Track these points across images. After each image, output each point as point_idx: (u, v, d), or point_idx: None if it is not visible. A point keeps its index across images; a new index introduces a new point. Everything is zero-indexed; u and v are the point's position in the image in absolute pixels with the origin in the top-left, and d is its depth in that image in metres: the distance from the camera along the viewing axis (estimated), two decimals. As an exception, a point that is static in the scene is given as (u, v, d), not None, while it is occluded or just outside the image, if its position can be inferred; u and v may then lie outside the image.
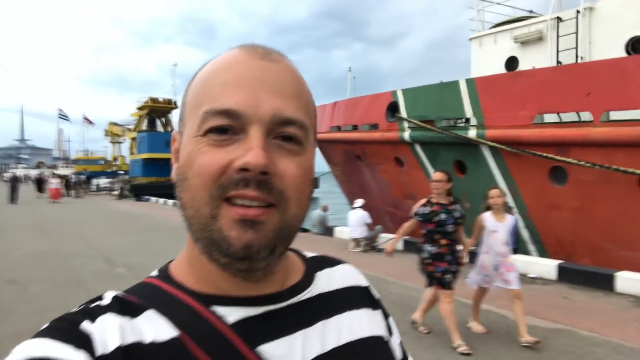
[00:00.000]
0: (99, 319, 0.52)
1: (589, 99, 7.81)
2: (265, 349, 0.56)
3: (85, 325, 0.50)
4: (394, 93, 11.90)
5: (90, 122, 79.45)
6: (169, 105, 43.94)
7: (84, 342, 0.49)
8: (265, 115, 0.53)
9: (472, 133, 9.69)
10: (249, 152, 0.52)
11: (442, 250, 4.67)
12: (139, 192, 30.67)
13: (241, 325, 0.56)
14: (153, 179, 38.19)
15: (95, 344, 0.49)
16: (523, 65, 11.01)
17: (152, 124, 44.88)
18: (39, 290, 6.61)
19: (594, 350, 4.36)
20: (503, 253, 4.79)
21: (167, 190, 32.51)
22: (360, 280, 0.74)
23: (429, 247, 4.73)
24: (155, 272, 0.63)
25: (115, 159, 62.60)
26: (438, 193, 4.77)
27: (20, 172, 70.20)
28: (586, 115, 8.14)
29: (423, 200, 4.87)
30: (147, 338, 0.52)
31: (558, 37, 10.01)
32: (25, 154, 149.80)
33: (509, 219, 4.91)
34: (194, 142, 0.55)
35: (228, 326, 0.55)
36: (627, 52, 9.24)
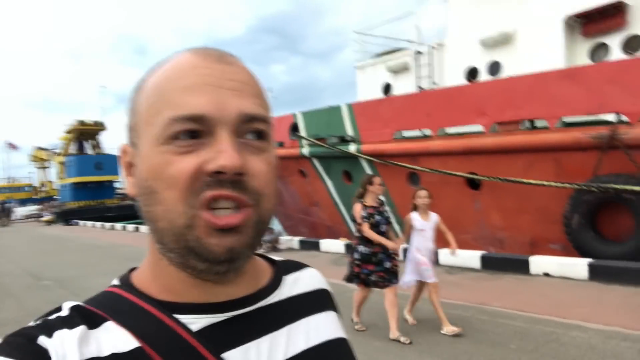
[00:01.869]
0: (57, 333, 0.50)
1: (429, 118, 9.99)
2: (230, 355, 0.56)
3: (42, 340, 0.49)
4: (295, 115, 13.73)
5: (14, 147, 76.11)
6: (98, 127, 43.69)
7: (40, 358, 0.48)
8: (232, 116, 0.54)
9: (352, 148, 11.65)
10: (221, 154, 0.51)
11: (375, 249, 4.89)
12: (68, 217, 30.62)
13: (206, 332, 0.56)
14: (83, 203, 37.93)
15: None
16: (396, 90, 13.25)
17: (81, 147, 44.34)
18: (-28, 299, 7.74)
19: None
20: (432, 249, 5.12)
21: (98, 214, 32.61)
22: (324, 284, 0.75)
23: (362, 248, 4.95)
24: (116, 281, 0.62)
25: (42, 184, 60.57)
26: (377, 196, 5.08)
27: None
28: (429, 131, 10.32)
29: (359, 205, 5.05)
30: (107, 350, 0.51)
31: (418, 66, 12.30)
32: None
33: (434, 217, 5.18)
34: (158, 152, 0.53)
35: (192, 334, 0.55)
36: (467, 79, 11.64)
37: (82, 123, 42.70)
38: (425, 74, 12.03)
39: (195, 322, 0.56)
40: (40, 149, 56.57)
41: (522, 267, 7.39)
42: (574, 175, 7.76)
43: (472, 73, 11.57)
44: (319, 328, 0.66)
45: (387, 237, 4.95)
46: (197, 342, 0.54)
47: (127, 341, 0.52)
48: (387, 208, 5.22)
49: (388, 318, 4.92)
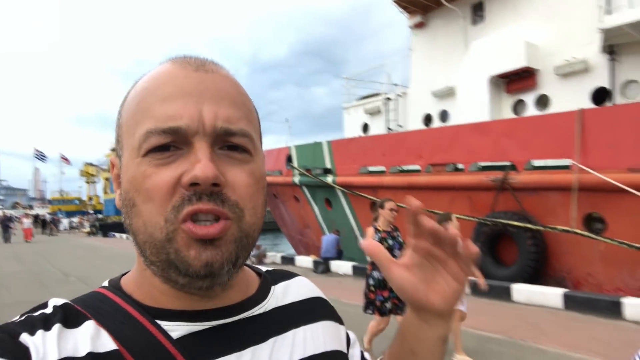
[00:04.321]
0: (39, 332, 0.51)
1: (384, 157, 12.03)
2: None
3: (24, 337, 0.50)
4: (290, 148, 16.05)
5: (67, 161, 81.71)
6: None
7: (21, 355, 0.48)
8: (208, 127, 0.53)
9: (329, 179, 13.80)
10: (196, 165, 0.51)
11: None
12: (106, 230, 33.97)
13: (185, 340, 0.55)
14: (126, 217, 41.24)
15: (32, 358, 0.48)
16: (372, 130, 15.35)
17: None
18: (17, 287, 10.36)
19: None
20: None
21: None
22: (317, 292, 0.74)
23: (376, 274, 4.73)
24: (106, 283, 0.62)
25: (90, 198, 65.23)
26: (389, 221, 4.83)
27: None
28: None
29: (371, 230, 4.91)
30: (83, 350, 0.51)
31: (387, 111, 14.39)
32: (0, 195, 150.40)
33: None
34: (136, 164, 0.54)
35: (172, 341, 0.54)
36: (425, 123, 13.62)
37: (126, 143, 46.57)
38: (393, 117, 14.09)
39: (177, 329, 0.56)
40: (89, 164, 61.33)
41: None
42: (481, 211, 9.60)
43: (428, 119, 13.56)
44: (307, 341, 0.64)
45: None
46: (175, 350, 0.54)
47: (105, 342, 0.52)
48: (399, 234, 5.03)
49: (365, 339, 4.85)
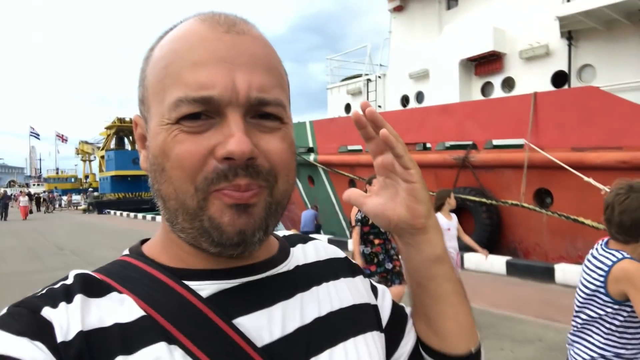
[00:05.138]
0: (62, 304, 0.50)
1: (360, 137, 12.61)
2: (242, 321, 0.55)
3: (46, 311, 0.49)
4: (275, 127, 16.67)
5: (64, 139, 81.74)
6: (136, 123, 47.54)
7: (42, 331, 0.47)
8: (242, 97, 0.52)
9: (312, 158, 14.43)
10: (230, 138, 0.50)
11: (376, 249, 4.70)
12: (102, 207, 34.53)
13: (216, 298, 0.55)
14: (121, 195, 41.93)
15: (56, 332, 0.48)
16: (354, 110, 15.93)
17: (120, 142, 48.08)
18: (13, 260, 11.07)
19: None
20: (455, 247, 5.12)
21: (134, 205, 35.16)
22: (335, 253, 0.75)
23: (362, 248, 4.75)
24: (126, 251, 0.62)
25: (86, 176, 65.66)
26: None
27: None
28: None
29: (356, 208, 5.42)
30: (109, 321, 0.51)
31: (368, 92, 14.96)
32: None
33: (455, 217, 5.26)
34: (166, 130, 0.52)
35: (202, 300, 0.54)
36: (402, 104, 14.21)
37: (120, 120, 46.65)
38: (373, 98, 14.66)
39: (205, 288, 0.56)
40: (85, 142, 61.52)
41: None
42: (445, 186, 10.20)
43: (405, 99, 14.15)
44: (332, 296, 0.66)
45: (387, 238, 4.77)
46: (207, 308, 0.54)
47: (132, 310, 0.52)
48: None
49: None
